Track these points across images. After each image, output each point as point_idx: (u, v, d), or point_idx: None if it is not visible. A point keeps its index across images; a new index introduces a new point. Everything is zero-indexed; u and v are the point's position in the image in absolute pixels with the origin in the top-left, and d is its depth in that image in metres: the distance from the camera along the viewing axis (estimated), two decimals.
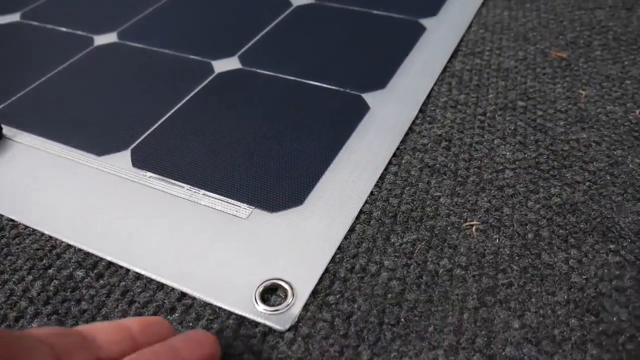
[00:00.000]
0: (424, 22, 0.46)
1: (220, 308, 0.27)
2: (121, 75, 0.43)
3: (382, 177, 0.33)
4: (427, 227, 0.30)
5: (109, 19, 0.51)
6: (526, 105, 0.38)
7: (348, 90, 0.39)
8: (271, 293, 0.27)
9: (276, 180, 0.33)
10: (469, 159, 0.34)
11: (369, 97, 0.39)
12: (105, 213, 0.32)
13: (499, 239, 0.29)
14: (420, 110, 0.38)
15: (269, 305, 0.27)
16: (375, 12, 0.48)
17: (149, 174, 0.34)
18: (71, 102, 0.40)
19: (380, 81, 0.40)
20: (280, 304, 0.27)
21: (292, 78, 0.41)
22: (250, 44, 0.45)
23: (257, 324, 0.26)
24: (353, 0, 0.50)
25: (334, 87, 0.40)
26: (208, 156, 0.35)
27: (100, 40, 0.48)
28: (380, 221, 0.30)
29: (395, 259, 0.28)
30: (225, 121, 0.37)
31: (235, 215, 0.31)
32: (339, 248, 0.29)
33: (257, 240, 0.30)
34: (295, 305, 0.27)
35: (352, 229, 0.30)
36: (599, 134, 0.35)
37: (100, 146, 0.36)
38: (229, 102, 0.39)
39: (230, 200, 0.32)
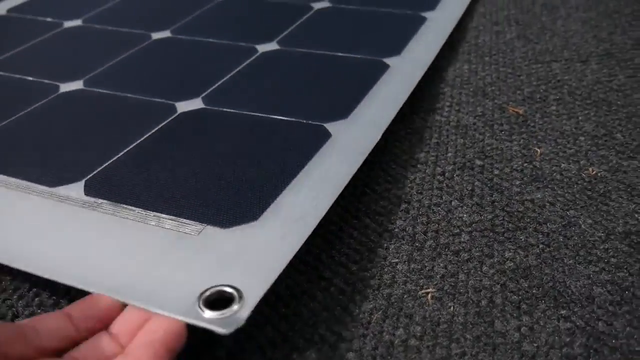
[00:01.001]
0: (388, 60, 0.48)
1: None
2: (83, 117, 0.44)
3: (341, 242, 0.33)
4: (384, 295, 0.30)
5: (76, 68, 0.52)
6: (483, 164, 0.39)
7: (310, 122, 0.40)
8: (221, 303, 0.27)
9: (230, 199, 0.34)
10: (427, 222, 0.34)
11: (330, 126, 0.40)
12: (50, 237, 0.32)
13: (453, 307, 0.29)
14: (382, 170, 0.38)
15: (215, 310, 0.27)
16: (340, 54, 0.49)
17: (100, 200, 0.35)
18: (29, 142, 0.41)
19: (342, 112, 0.41)
20: (226, 308, 0.27)
21: (254, 114, 0.42)
22: (214, 86, 0.46)
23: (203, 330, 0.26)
24: (318, 45, 0.52)
25: (296, 119, 0.41)
26: (160, 182, 0.36)
27: (66, 87, 0.49)
28: (340, 289, 0.31)
29: (353, 329, 0.29)
30: (181, 152, 0.39)
31: (185, 233, 0.32)
32: (297, 314, 0.29)
33: (207, 253, 0.30)
34: (242, 310, 0.27)
35: (312, 296, 0.30)
36: (553, 194, 0.36)
37: (54, 178, 0.37)
38: (187, 137, 0.40)
39: (180, 219, 0.33)
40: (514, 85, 0.46)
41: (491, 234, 0.34)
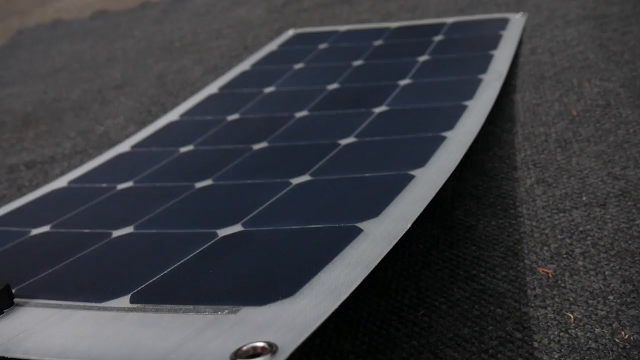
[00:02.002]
0: (413, 172, 0.54)
1: None
2: (131, 254, 0.51)
3: None
4: None
5: (126, 219, 0.59)
6: (523, 336, 0.42)
7: (343, 224, 0.46)
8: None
9: (266, 282, 0.40)
10: None
11: (362, 225, 0.45)
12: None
13: None
14: (431, 352, 0.43)
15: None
16: (367, 175, 0.56)
17: (144, 305, 0.40)
18: (83, 277, 0.48)
19: (373, 212, 0.47)
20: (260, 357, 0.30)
21: (291, 227, 0.48)
22: (252, 214, 0.53)
23: None
24: (347, 172, 0.58)
25: (330, 225, 0.47)
26: (203, 285, 0.42)
27: (118, 233, 0.56)
28: None
29: None
30: (222, 262, 0.45)
31: (222, 314, 0.37)
32: None
33: (242, 324, 0.35)
34: (276, 357, 0.30)
35: None
36: None
37: (101, 296, 0.43)
38: (226, 253, 0.46)
39: (218, 306, 0.38)
40: (540, 241, 0.50)
41: None
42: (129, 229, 0.56)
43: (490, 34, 0.89)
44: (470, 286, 0.47)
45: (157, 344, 0.35)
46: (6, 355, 0.38)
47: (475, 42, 0.89)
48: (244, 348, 0.31)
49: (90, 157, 0.84)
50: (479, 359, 0.41)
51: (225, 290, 0.40)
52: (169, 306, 0.39)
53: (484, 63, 0.78)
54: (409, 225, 0.43)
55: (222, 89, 0.91)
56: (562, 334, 0.42)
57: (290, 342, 0.31)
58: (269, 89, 0.87)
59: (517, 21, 0.93)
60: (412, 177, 0.52)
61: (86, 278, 0.47)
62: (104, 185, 0.72)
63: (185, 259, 0.46)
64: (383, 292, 0.48)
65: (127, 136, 0.86)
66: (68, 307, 0.43)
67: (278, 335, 0.32)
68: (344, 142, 0.67)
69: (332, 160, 0.62)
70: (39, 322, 0.42)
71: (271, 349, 0.31)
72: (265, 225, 0.50)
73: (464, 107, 0.67)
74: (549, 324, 0.43)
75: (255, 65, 0.97)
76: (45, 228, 0.62)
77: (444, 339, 0.43)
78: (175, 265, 0.46)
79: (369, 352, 0.43)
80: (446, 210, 0.56)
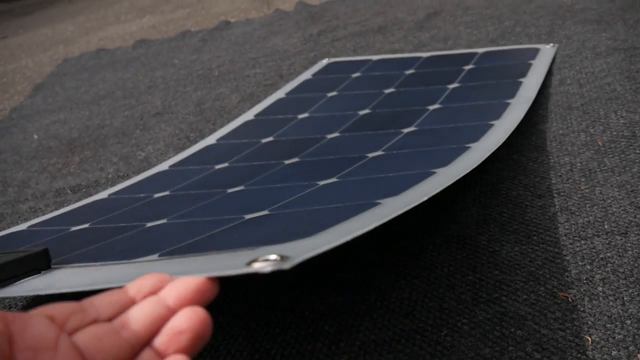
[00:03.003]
0: (435, 170, 0.57)
1: None
2: (165, 234, 0.56)
3: None
4: None
5: (161, 214, 0.64)
6: (541, 357, 0.44)
7: (362, 202, 0.51)
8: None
9: (283, 232, 0.45)
10: None
11: (380, 200, 0.50)
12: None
13: None
14: None
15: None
16: (391, 174, 0.59)
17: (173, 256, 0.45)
18: (116, 250, 0.52)
19: (392, 193, 0.51)
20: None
21: (313, 208, 0.53)
22: (278, 204, 0.57)
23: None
24: (374, 174, 0.61)
25: (351, 203, 0.52)
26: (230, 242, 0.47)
27: (152, 223, 0.61)
28: None
29: None
30: (249, 233, 0.50)
31: (239, 251, 0.41)
32: None
33: (258, 251, 0.39)
34: (287, 262, 0.33)
35: None
36: None
37: (131, 256, 0.47)
38: (254, 231, 0.51)
39: (234, 250, 0.42)
40: (562, 267, 0.52)
41: None
42: (162, 221, 0.60)
43: (520, 63, 0.92)
44: (492, 308, 0.49)
45: (180, 270, 0.39)
46: (42, 293, 0.42)
47: (505, 70, 0.91)
48: (259, 259, 0.35)
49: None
50: None
51: (246, 242, 0.45)
52: (194, 253, 0.44)
53: (513, 89, 0.81)
54: (425, 198, 0.47)
55: (258, 115, 0.95)
56: (579, 355, 0.44)
57: (301, 253, 0.35)
58: (302, 115, 0.90)
59: (547, 51, 0.95)
60: (434, 172, 0.55)
61: (118, 250, 0.52)
62: (142, 195, 0.75)
63: (212, 232, 0.51)
64: (408, 313, 0.50)
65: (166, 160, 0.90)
66: (100, 265, 0.47)
67: (290, 252, 0.36)
68: (371, 154, 0.70)
69: (359, 167, 0.65)
70: (72, 274, 0.46)
71: (283, 258, 0.34)
72: (290, 209, 0.54)
73: (490, 125, 0.69)
74: (567, 345, 0.45)
75: (290, 93, 1.01)
76: (85, 225, 0.66)
77: (466, 359, 0.45)
78: (202, 236, 0.50)
79: None
80: (470, 235, 0.58)
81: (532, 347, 0.45)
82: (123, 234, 0.57)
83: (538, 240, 0.56)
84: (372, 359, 0.46)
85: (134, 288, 0.31)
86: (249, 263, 0.35)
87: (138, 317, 0.30)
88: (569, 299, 0.49)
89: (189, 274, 0.35)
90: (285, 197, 0.59)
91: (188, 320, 0.29)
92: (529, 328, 0.47)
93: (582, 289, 0.49)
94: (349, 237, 0.38)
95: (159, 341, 0.29)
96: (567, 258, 0.53)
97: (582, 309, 0.48)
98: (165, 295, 0.31)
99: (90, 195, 0.88)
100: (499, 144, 0.61)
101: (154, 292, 0.31)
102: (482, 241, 0.57)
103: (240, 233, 0.49)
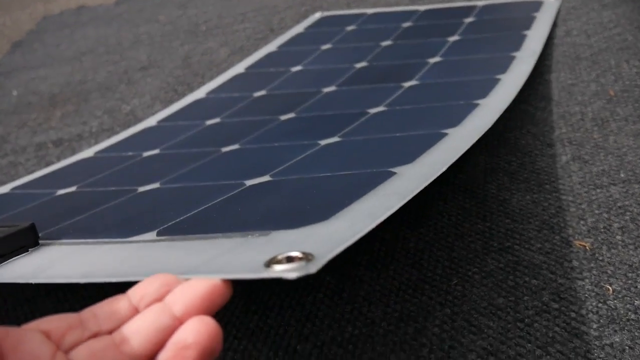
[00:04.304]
0: (446, 130, 0.52)
1: None
2: (158, 201, 0.51)
3: None
4: None
5: (153, 176, 0.59)
6: (559, 307, 0.41)
7: (375, 170, 0.45)
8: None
9: (298, 211, 0.39)
10: None
11: (396, 169, 0.44)
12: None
13: None
14: (465, 320, 0.42)
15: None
16: (398, 134, 0.55)
17: (172, 236, 0.40)
18: (107, 221, 0.48)
19: (406, 160, 0.46)
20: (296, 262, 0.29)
21: (321, 174, 0.47)
22: (280, 168, 0.52)
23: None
24: (377, 133, 0.57)
25: (362, 171, 0.46)
26: (228, 216, 0.41)
27: (143, 188, 0.56)
28: None
29: None
30: (249, 204, 0.45)
31: (252, 237, 0.35)
32: None
33: (274, 242, 0.34)
34: (312, 264, 0.28)
35: None
36: (631, 336, 0.38)
37: (127, 233, 0.42)
38: (255, 197, 0.46)
39: (248, 232, 0.36)
40: (577, 215, 0.49)
41: None
42: (155, 185, 0.56)
43: (523, 16, 0.88)
44: (505, 257, 0.46)
45: (186, 262, 0.34)
46: (31, 282, 0.37)
47: (508, 23, 0.87)
48: (278, 257, 0.30)
49: (117, 134, 0.84)
50: (514, 328, 0.40)
51: (255, 221, 0.40)
52: (197, 235, 0.39)
53: (517, 42, 0.77)
54: (444, 168, 0.42)
55: (249, 68, 0.91)
56: (600, 305, 0.41)
57: (326, 251, 0.30)
58: (296, 68, 0.86)
59: (551, 3, 0.91)
60: (445, 134, 0.51)
61: (110, 222, 0.47)
62: (130, 153, 0.71)
63: (212, 202, 0.46)
64: (415, 263, 0.47)
65: (154, 114, 0.86)
66: (93, 243, 0.43)
67: (313, 247, 0.31)
68: (373, 110, 0.66)
69: (361, 125, 0.61)
70: (64, 255, 0.42)
71: (306, 257, 0.30)
72: (294, 175, 0.49)
73: (497, 80, 0.66)
74: (586, 295, 0.42)
75: (282, 47, 0.97)
76: (72, 189, 0.61)
77: (478, 308, 0.42)
78: (202, 208, 0.45)
79: (401, 319, 0.42)
80: (478, 184, 0.55)
81: (549, 297, 0.42)
82: (113, 201, 0.53)
83: (550, 189, 0.53)
84: (378, 309, 0.43)
85: (137, 294, 0.28)
86: (269, 264, 0.30)
87: (141, 329, 0.27)
88: (586, 248, 0.46)
89: (196, 269, 0.31)
90: (285, 158, 0.55)
91: (195, 333, 0.26)
92: (545, 277, 0.44)
93: (599, 238, 0.47)
94: (373, 224, 0.33)
95: (163, 357, 0.26)
96: (583, 207, 0.50)
97: (600, 258, 0.45)
98: (171, 301, 0.27)
99: (74, 149, 0.83)
100: (510, 101, 0.58)
101: (159, 298, 0.28)
102: (491, 190, 0.54)
103: (244, 206, 0.44)
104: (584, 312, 0.41)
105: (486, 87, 0.65)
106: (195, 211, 0.45)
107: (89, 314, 0.27)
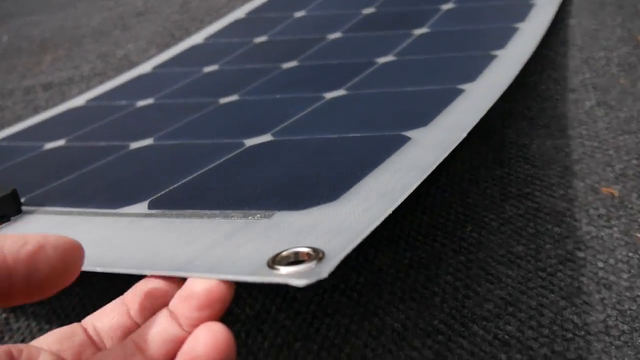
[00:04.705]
0: (462, 86, 0.48)
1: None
2: (151, 162, 0.46)
3: (452, 354, 0.33)
4: None
5: (146, 131, 0.54)
6: (585, 256, 0.38)
7: (387, 133, 0.41)
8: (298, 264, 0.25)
9: (305, 188, 0.34)
10: (537, 327, 0.34)
11: (409, 133, 0.40)
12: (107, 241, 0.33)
13: None
14: (481, 268, 0.38)
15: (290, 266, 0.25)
16: (410, 89, 0.50)
17: (164, 210, 0.35)
18: (96, 184, 0.43)
19: (421, 122, 0.41)
20: (304, 263, 0.25)
21: (327, 136, 0.43)
22: (282, 125, 0.47)
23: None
24: (388, 86, 0.52)
25: (372, 134, 0.41)
26: (229, 190, 0.37)
27: (136, 145, 0.51)
28: None
29: None
30: (249, 170, 0.40)
31: (254, 219, 0.31)
32: None
33: (279, 228, 0.29)
34: (323, 265, 0.24)
35: None
36: None
37: (117, 203, 0.38)
38: (256, 160, 0.41)
39: (249, 210, 0.33)
40: (604, 162, 0.45)
41: (606, 337, 0.32)
42: (148, 141, 0.52)
43: None
44: (524, 204, 0.42)
45: (179, 250, 0.30)
46: None
47: None
48: (284, 254, 0.26)
49: (110, 79, 0.80)
50: (535, 277, 0.37)
51: (256, 195, 0.35)
52: (191, 211, 0.35)
53: None
54: (464, 135, 0.38)
55: (250, 13, 0.86)
56: (631, 254, 0.37)
57: (338, 247, 0.26)
58: (299, 13, 0.81)
59: None
60: (462, 90, 0.47)
61: (99, 186, 0.43)
62: (123, 102, 0.67)
63: (209, 167, 0.42)
64: (425, 208, 0.43)
65: (149, 59, 0.81)
66: (79, 214, 0.39)
67: (323, 241, 0.27)
68: (381, 60, 0.61)
69: (369, 76, 0.57)
70: (47, 229, 0.37)
71: (316, 254, 0.25)
72: (298, 135, 0.45)
73: (515, 29, 0.61)
74: (615, 244, 0.38)
75: None
76: (60, 142, 0.58)
77: (495, 256, 0.39)
78: (198, 173, 0.41)
79: (411, 266, 0.39)
80: (496, 129, 0.51)
81: (574, 245, 0.39)
82: (104, 159, 0.49)
83: (574, 135, 0.49)
84: (385, 256, 0.40)
85: (134, 303, 0.26)
86: (272, 262, 0.26)
87: (149, 340, 0.25)
88: (614, 195, 0.42)
89: (192, 263, 0.27)
90: (288, 113, 0.50)
91: (204, 344, 0.23)
92: (569, 225, 0.40)
93: (628, 185, 0.43)
94: (390, 209, 0.29)
95: None
96: (610, 153, 0.46)
97: (629, 206, 0.41)
98: (174, 308, 0.25)
99: (63, 93, 0.79)
100: (530, 53, 0.53)
101: (154, 306, 0.26)
102: (510, 135, 0.50)
103: (244, 174, 0.39)
104: (612, 261, 0.37)
105: (504, 37, 0.60)
106: (191, 177, 0.40)
107: (91, 328, 0.26)
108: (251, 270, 0.25)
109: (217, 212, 0.34)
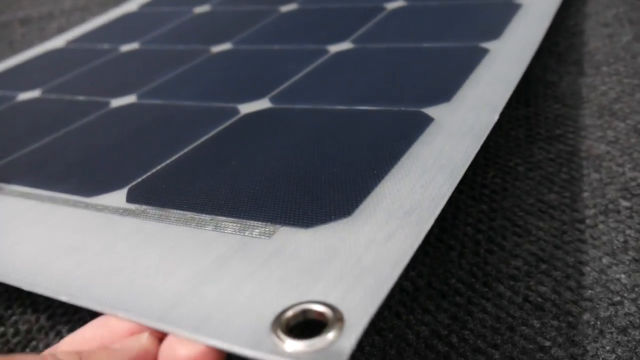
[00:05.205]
0: (487, 45, 0.41)
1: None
2: (133, 128, 0.40)
3: (473, 318, 0.27)
4: None
5: (129, 85, 0.48)
6: (631, 205, 0.32)
7: (404, 108, 0.34)
8: (309, 330, 0.19)
9: (311, 195, 0.27)
10: (576, 287, 0.28)
11: (430, 111, 0.33)
12: (77, 253, 0.27)
13: None
14: (506, 219, 0.32)
15: (299, 339, 0.19)
16: (426, 45, 0.43)
17: (145, 207, 0.29)
18: (67, 156, 0.38)
19: (442, 96, 0.34)
20: (317, 336, 0.18)
21: (332, 107, 0.36)
22: (282, 86, 0.41)
23: None
24: (399, 40, 0.46)
25: (385, 108, 0.35)
26: (220, 183, 0.30)
27: (118, 102, 0.45)
28: None
29: None
30: (246, 151, 0.33)
31: (252, 237, 0.25)
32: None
33: (283, 261, 0.23)
34: (343, 339, 0.18)
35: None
36: None
37: (91, 188, 0.32)
38: (253, 136, 0.35)
39: (245, 221, 0.26)
40: None
41: None
42: (131, 98, 0.45)
43: None
44: (555, 147, 0.36)
45: (160, 284, 0.23)
46: None
47: None
48: (290, 313, 0.20)
49: (93, 15, 0.73)
50: (572, 230, 0.31)
51: (251, 194, 0.29)
52: (175, 212, 0.28)
53: None
54: (496, 117, 0.31)
55: None
56: None
57: (362, 302, 0.19)
58: None
59: None
60: (486, 51, 0.40)
61: (75, 159, 0.37)
62: (106, 46, 0.61)
63: (199, 141, 0.35)
64: None
65: None
66: (50, 199, 0.32)
67: (341, 289, 0.20)
68: (390, 5, 0.55)
69: (377, 26, 0.50)
70: (11, 219, 0.31)
71: (334, 316, 0.19)
72: (299, 102, 0.38)
73: None
74: None
75: None
76: (35, 93, 0.52)
77: (524, 205, 0.33)
78: (185, 151, 0.34)
79: None
80: None
81: (617, 193, 0.33)
82: (80, 120, 0.42)
83: (609, 72, 0.42)
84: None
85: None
86: (276, 326, 0.19)
87: None
88: None
89: (171, 279, 0.23)
90: (288, 70, 0.43)
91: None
92: (610, 170, 0.34)
93: None
94: (420, 236, 0.23)
95: None
96: None
97: None
98: None
99: (42, 29, 0.72)
100: (560, 2, 0.46)
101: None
102: (536, 71, 0.43)
103: (237, 159, 0.32)
104: None
105: None
106: (176, 156, 0.34)
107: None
108: (250, 338, 0.19)
109: (208, 217, 0.27)
